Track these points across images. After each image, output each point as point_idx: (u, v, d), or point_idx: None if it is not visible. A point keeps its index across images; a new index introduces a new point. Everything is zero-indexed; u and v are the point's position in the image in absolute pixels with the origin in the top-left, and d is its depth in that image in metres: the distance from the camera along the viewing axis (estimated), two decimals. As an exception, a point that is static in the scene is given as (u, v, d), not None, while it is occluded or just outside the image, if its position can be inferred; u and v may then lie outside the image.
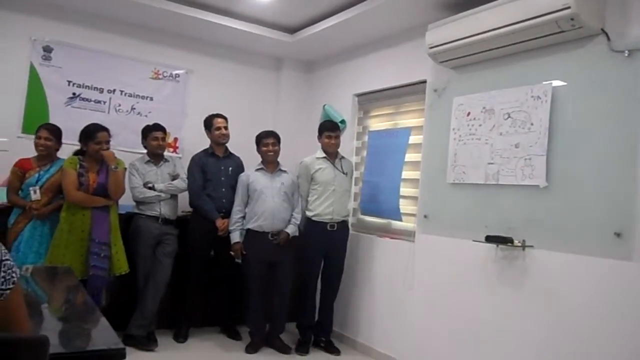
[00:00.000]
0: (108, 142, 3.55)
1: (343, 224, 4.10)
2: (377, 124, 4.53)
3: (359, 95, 4.67)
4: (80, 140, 3.55)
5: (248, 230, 4.01)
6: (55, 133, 3.62)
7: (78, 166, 3.47)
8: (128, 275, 3.82)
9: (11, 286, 1.15)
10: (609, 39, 2.72)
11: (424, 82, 3.87)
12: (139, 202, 3.94)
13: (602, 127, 2.72)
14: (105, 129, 3.58)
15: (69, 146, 3.70)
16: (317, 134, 4.20)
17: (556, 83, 2.95)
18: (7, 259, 1.17)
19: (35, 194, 3.46)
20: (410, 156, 3.99)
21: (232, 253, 4.03)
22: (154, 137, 4.00)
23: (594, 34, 2.77)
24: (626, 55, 2.63)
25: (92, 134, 3.51)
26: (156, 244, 3.92)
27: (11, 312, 1.17)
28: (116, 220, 3.57)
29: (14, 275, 1.17)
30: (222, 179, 4.19)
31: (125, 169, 3.69)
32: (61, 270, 2.86)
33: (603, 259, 2.63)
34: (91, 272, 3.31)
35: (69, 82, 4.32)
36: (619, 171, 2.62)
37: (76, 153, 3.57)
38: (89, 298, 2.06)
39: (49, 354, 1.09)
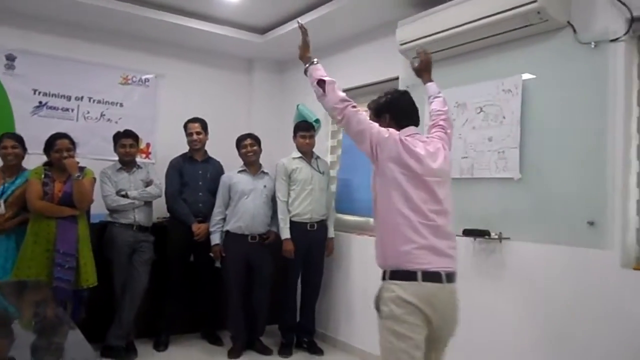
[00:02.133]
0: (70, 149, 3.40)
1: (322, 224, 4.09)
2: (351, 122, 4.51)
3: (332, 94, 4.64)
4: (44, 151, 3.44)
5: (227, 232, 3.97)
6: (21, 141, 3.51)
7: (43, 176, 3.36)
8: (105, 285, 3.75)
9: None
10: (575, 31, 2.76)
11: (397, 78, 3.88)
12: (112, 210, 3.86)
13: (572, 118, 2.76)
14: (66, 137, 3.45)
15: (38, 157, 3.57)
16: (292, 134, 4.17)
17: (526, 76, 2.98)
18: None
19: (0, 208, 3.34)
20: (385, 153, 3.99)
21: (211, 255, 3.98)
22: (121, 144, 3.92)
23: (561, 26, 2.81)
24: (592, 47, 2.68)
25: (52, 143, 3.39)
26: (131, 252, 3.84)
27: None
28: (85, 230, 3.44)
29: None
30: (200, 183, 4.13)
31: (94, 178, 3.57)
32: (31, 283, 2.77)
33: (577, 248, 2.67)
34: (54, 284, 3.14)
35: (35, 90, 4.20)
36: (590, 161, 2.66)
37: (46, 164, 3.46)
38: (61, 311, 1.99)
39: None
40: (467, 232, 3.14)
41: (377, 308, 2.15)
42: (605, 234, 2.57)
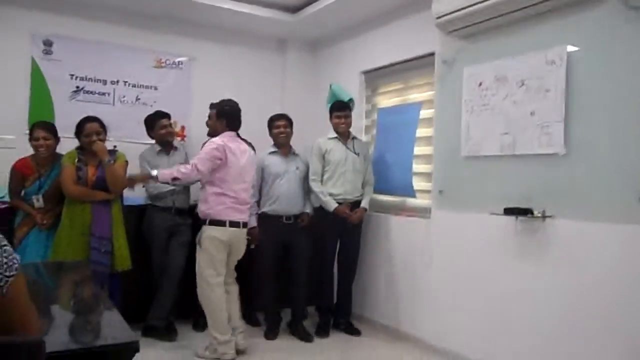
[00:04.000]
0: (99, 133, 3.38)
1: (356, 205, 4.02)
2: (386, 100, 4.43)
3: (365, 72, 4.57)
4: (75, 135, 3.43)
5: (262, 214, 3.96)
6: (52, 130, 3.50)
7: (76, 160, 3.37)
8: (144, 267, 3.81)
9: (14, 272, 1.07)
10: (625, -5, 2.59)
11: (433, 54, 3.76)
12: (153, 196, 3.89)
13: (621, 90, 2.61)
14: (95, 120, 3.42)
15: (76, 142, 3.58)
16: (325, 114, 4.12)
17: (571, 46, 2.82)
18: (6, 245, 1.09)
19: (38, 202, 3.38)
20: (421, 131, 3.90)
21: (248, 238, 3.98)
22: (161, 125, 3.90)
23: (610, -9, 2.64)
24: (645, 11, 2.51)
25: (81, 127, 3.38)
26: (170, 234, 3.87)
27: (14, 303, 1.07)
28: (119, 214, 3.46)
29: (15, 262, 1.08)
30: None
31: (127, 161, 3.55)
32: (69, 264, 2.82)
33: (627, 225, 2.53)
34: (91, 268, 3.12)
35: (72, 75, 4.26)
36: (639, 134, 2.51)
37: (79, 148, 3.46)
38: (99, 291, 2.01)
39: (61, 350, 1.03)
40: (508, 211, 3.04)
41: (199, 241, 3.38)
42: (659, 211, 2.42)
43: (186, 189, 3.96)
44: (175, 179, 3.28)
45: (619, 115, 2.61)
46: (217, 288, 3.39)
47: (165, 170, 3.33)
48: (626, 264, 2.55)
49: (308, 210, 4.06)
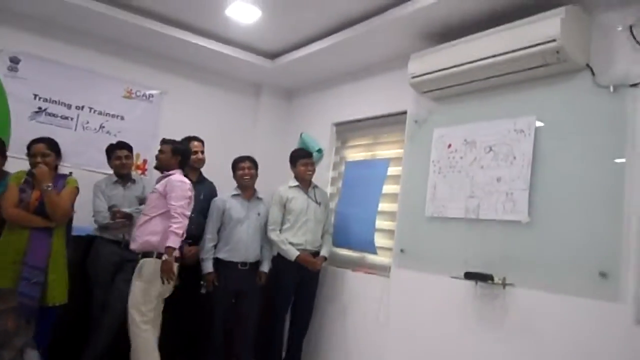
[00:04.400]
0: (46, 155, 3.19)
1: (315, 255, 3.91)
2: (355, 154, 4.42)
3: (337, 124, 4.58)
4: (27, 155, 3.27)
5: (217, 259, 3.79)
6: (1, 149, 3.34)
7: (23, 181, 3.18)
8: (84, 302, 3.57)
9: None
10: (593, 73, 2.68)
11: (405, 112, 3.79)
12: (102, 227, 3.70)
13: (586, 163, 2.64)
14: (43, 141, 3.24)
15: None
16: (290, 163, 4.05)
17: (540, 117, 2.88)
18: None
19: None
20: (387, 188, 3.87)
21: (202, 283, 3.79)
22: (117, 155, 3.80)
23: (579, 68, 2.73)
24: (611, 90, 2.59)
25: (29, 147, 3.22)
26: (116, 270, 3.66)
27: None
28: (60, 244, 3.22)
29: None
30: (193, 204, 3.97)
31: (76, 188, 3.33)
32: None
33: (587, 300, 2.50)
34: (18, 300, 2.90)
35: (35, 95, 4.10)
36: (604, 209, 2.53)
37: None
38: (22, 325, 1.81)
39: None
40: (469, 275, 2.98)
41: (140, 275, 3.29)
42: (619, 287, 2.40)
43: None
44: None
45: (583, 188, 2.63)
46: (146, 329, 3.23)
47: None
48: (585, 338, 2.50)
49: (266, 269, 3.91)
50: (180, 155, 3.56)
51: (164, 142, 3.62)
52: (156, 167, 3.65)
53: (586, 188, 2.62)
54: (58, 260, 3.18)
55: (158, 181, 3.52)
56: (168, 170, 3.50)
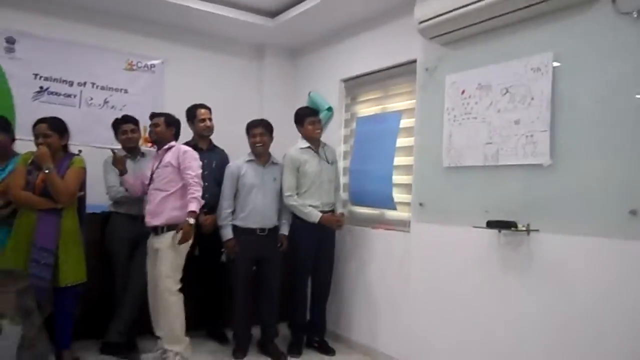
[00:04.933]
0: (48, 135, 3.11)
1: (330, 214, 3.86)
2: (366, 109, 4.29)
3: (345, 80, 4.43)
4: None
5: (234, 226, 3.74)
6: (4, 126, 3.29)
7: (30, 162, 3.14)
8: (106, 279, 3.58)
9: None
10: (614, 0, 2.49)
11: (414, 61, 3.63)
12: (115, 201, 3.68)
13: (611, 98, 2.49)
14: (45, 121, 3.17)
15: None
16: (296, 123, 3.93)
17: (557, 53, 2.71)
18: None
19: None
20: (402, 141, 3.76)
21: (223, 250, 3.76)
22: (122, 130, 3.74)
23: (598, -4, 2.54)
24: (635, 16, 2.40)
25: (33, 128, 3.17)
26: (134, 246, 3.65)
27: None
28: (71, 225, 3.17)
29: None
30: (206, 172, 3.87)
31: (83, 168, 3.26)
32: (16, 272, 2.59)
33: (618, 240, 2.40)
34: (30, 281, 2.87)
35: (36, 75, 4.03)
36: (630, 144, 2.39)
37: None
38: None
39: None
40: (492, 224, 2.89)
41: (172, 246, 3.33)
42: (650, 224, 2.30)
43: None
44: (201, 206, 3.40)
45: (607, 125, 2.49)
46: (179, 295, 3.34)
47: (194, 206, 3.29)
48: (616, 280, 2.41)
49: (285, 232, 3.86)
50: (175, 126, 3.58)
51: (154, 115, 3.57)
52: (154, 142, 3.59)
53: (610, 125, 2.48)
54: (70, 241, 3.15)
55: (160, 155, 3.50)
56: (165, 143, 3.51)
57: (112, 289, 3.63)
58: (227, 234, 3.72)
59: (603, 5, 2.53)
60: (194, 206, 3.28)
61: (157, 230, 3.39)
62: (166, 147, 3.49)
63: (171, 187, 3.39)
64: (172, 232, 3.34)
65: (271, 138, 3.83)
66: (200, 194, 3.34)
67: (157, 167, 3.47)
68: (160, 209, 3.37)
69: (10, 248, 3.03)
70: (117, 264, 3.63)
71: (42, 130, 3.14)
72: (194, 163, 3.42)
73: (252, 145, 3.80)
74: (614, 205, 2.42)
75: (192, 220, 3.26)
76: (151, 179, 3.47)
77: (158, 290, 3.36)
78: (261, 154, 3.80)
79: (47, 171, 3.03)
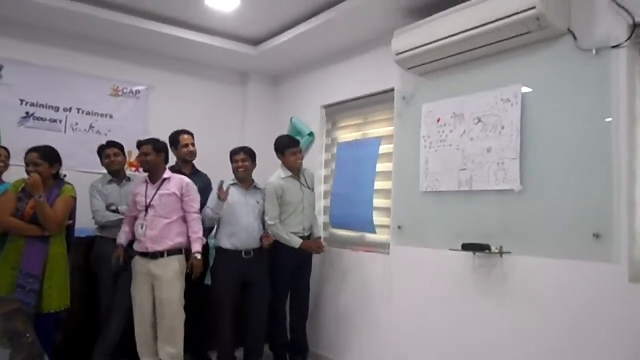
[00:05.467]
0: (38, 164, 3.16)
1: (310, 237, 3.98)
2: (346, 135, 4.43)
3: (326, 106, 4.58)
4: None
5: (219, 249, 3.81)
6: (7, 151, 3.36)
7: (20, 190, 3.19)
8: (91, 304, 3.61)
9: None
10: (575, 38, 2.69)
11: (392, 90, 3.80)
12: (101, 226, 3.73)
13: (573, 127, 2.67)
14: (37, 150, 3.23)
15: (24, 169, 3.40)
16: (277, 152, 3.99)
17: (526, 85, 2.90)
18: None
19: None
20: (381, 166, 3.89)
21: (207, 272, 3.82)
22: (106, 154, 3.82)
23: (561, 34, 2.73)
24: (594, 53, 2.60)
25: (25, 156, 3.23)
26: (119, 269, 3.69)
27: None
28: (59, 251, 3.22)
29: None
30: None
31: (73, 197, 3.32)
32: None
33: (583, 262, 2.55)
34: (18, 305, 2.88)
35: (22, 101, 4.09)
36: (594, 171, 2.57)
37: None
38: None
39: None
40: (467, 247, 3.03)
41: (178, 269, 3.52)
42: (612, 247, 2.45)
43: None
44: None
45: (573, 152, 2.66)
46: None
47: (200, 245, 3.53)
48: (582, 299, 2.55)
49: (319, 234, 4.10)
50: (164, 152, 3.67)
51: (142, 143, 3.62)
52: (145, 170, 3.65)
53: (575, 152, 2.65)
54: (56, 267, 3.19)
55: (156, 184, 3.57)
56: (158, 171, 3.60)
57: (96, 312, 3.66)
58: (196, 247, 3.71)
59: (566, 42, 2.73)
60: (199, 247, 3.51)
61: (156, 255, 3.46)
62: (166, 176, 3.60)
63: (174, 215, 3.53)
64: (175, 258, 3.49)
65: (254, 164, 3.92)
66: (202, 232, 3.58)
67: (158, 195, 3.54)
68: (164, 235, 3.48)
69: None
70: (102, 287, 3.66)
71: (33, 159, 3.19)
72: (197, 196, 3.63)
73: (235, 171, 3.89)
74: (580, 228, 2.58)
75: (199, 256, 3.48)
76: (150, 205, 3.53)
77: (171, 316, 3.48)
78: (243, 179, 3.88)
79: (39, 199, 3.08)
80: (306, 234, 3.93)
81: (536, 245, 2.78)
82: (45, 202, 3.12)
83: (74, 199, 3.35)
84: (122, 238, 3.58)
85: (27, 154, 3.25)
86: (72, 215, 3.37)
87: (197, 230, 3.55)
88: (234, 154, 3.91)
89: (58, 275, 3.20)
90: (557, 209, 2.70)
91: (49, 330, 3.19)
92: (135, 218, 3.58)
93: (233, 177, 3.91)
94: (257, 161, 3.98)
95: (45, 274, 3.12)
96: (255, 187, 3.94)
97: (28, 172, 3.19)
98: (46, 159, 3.24)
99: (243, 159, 3.85)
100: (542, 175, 2.79)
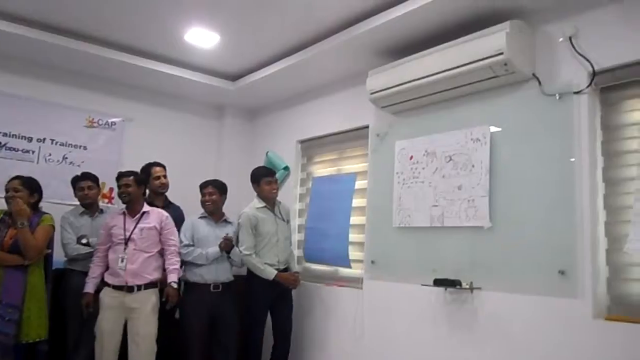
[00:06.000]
0: (18, 190, 3.24)
1: (286, 271, 3.93)
2: (321, 169, 4.50)
3: (302, 141, 4.65)
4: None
5: (187, 283, 3.77)
6: None
7: None
8: (57, 335, 3.52)
9: None
10: (540, 83, 2.83)
11: (367, 127, 3.90)
12: (71, 259, 3.67)
13: (539, 168, 2.79)
14: (18, 178, 3.31)
15: None
16: (252, 182, 4.01)
17: (494, 125, 3.02)
18: None
19: None
20: (355, 201, 3.96)
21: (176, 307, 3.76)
22: (79, 187, 3.81)
23: (526, 78, 2.88)
24: (557, 98, 2.75)
25: (5, 185, 3.29)
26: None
27: None
28: (37, 281, 3.22)
29: None
30: None
31: (52, 226, 3.36)
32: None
33: (549, 298, 2.63)
34: None
35: (-6, 131, 4.06)
36: (559, 208, 2.67)
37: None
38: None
39: None
40: (438, 282, 3.08)
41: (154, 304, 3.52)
42: (577, 283, 2.54)
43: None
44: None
45: (538, 191, 2.77)
46: None
47: (173, 276, 3.54)
48: (548, 334, 2.62)
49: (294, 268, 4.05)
50: (144, 184, 3.74)
51: (123, 175, 3.64)
52: (125, 202, 3.63)
53: (541, 190, 2.77)
54: (34, 297, 3.18)
55: (135, 217, 3.57)
56: (137, 202, 3.62)
57: (63, 345, 3.56)
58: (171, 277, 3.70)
59: (531, 87, 2.88)
60: (175, 277, 3.54)
61: (133, 288, 3.43)
62: (145, 210, 3.62)
63: (154, 248, 3.56)
64: (152, 292, 3.48)
65: (222, 197, 3.93)
66: (179, 264, 3.62)
67: (137, 229, 3.53)
68: (143, 269, 3.48)
69: None
70: (70, 320, 3.58)
71: (14, 186, 3.26)
72: (174, 230, 3.69)
73: (203, 204, 3.89)
74: (546, 264, 2.67)
75: (175, 284, 3.52)
76: (129, 239, 3.50)
77: (146, 351, 3.45)
78: (212, 212, 3.88)
79: (22, 226, 3.12)
80: (281, 267, 3.90)
81: (505, 281, 2.85)
82: (27, 229, 3.15)
83: (53, 227, 3.38)
84: (91, 286, 3.51)
85: (8, 181, 3.28)
86: (49, 244, 3.38)
87: (174, 262, 3.59)
88: (202, 187, 3.92)
89: (36, 304, 3.19)
90: (524, 246, 2.79)
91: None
92: (106, 254, 3.54)
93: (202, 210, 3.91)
94: (232, 194, 4.00)
95: (24, 304, 3.11)
96: (225, 221, 3.94)
97: (7, 199, 3.23)
98: (26, 186, 3.30)
99: (211, 192, 3.87)
100: (510, 212, 2.89)
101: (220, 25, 3.67)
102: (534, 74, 2.86)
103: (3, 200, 3.35)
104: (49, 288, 3.34)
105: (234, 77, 4.66)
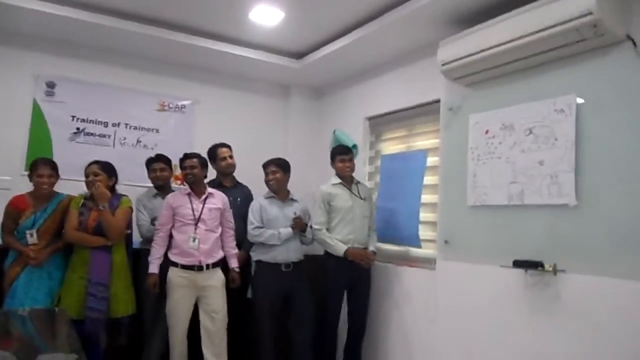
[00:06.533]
0: (97, 174, 3.40)
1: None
2: (391, 147, 4.36)
3: (370, 118, 4.52)
4: None
5: (259, 262, 3.78)
6: (55, 167, 3.46)
7: (80, 205, 3.40)
8: (134, 315, 3.66)
9: None
10: (635, 45, 2.54)
11: (438, 101, 3.71)
12: (146, 239, 3.78)
13: (633, 140, 2.52)
14: (96, 162, 3.48)
15: (74, 183, 3.60)
16: (329, 160, 4.00)
17: (581, 95, 2.76)
18: None
19: (32, 238, 3.28)
20: (426, 179, 3.80)
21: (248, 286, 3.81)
22: (152, 169, 3.91)
23: (619, 40, 2.59)
24: (656, 60, 2.45)
25: (85, 169, 3.45)
26: (163, 283, 3.72)
27: None
28: (121, 260, 3.43)
29: None
30: (231, 209, 4.01)
31: (130, 207, 3.54)
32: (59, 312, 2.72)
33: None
34: (87, 314, 3.19)
35: (73, 117, 4.24)
36: (657, 185, 2.41)
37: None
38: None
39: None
40: (518, 264, 2.90)
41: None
42: (678, 267, 2.29)
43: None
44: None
45: (631, 166, 2.51)
46: None
47: (234, 261, 3.74)
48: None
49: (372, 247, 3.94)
50: (206, 167, 3.82)
51: (188, 156, 3.72)
52: (190, 183, 3.70)
53: (633, 165, 2.50)
54: (120, 275, 3.40)
55: (200, 198, 3.65)
56: (201, 184, 3.71)
57: (140, 322, 3.69)
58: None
59: (624, 49, 2.59)
60: (236, 262, 3.75)
61: (206, 267, 3.56)
62: (210, 191, 3.74)
63: (219, 229, 3.70)
64: (218, 269, 3.64)
65: (286, 175, 3.89)
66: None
67: (206, 209, 3.63)
68: (214, 248, 3.63)
69: (67, 283, 3.30)
70: (147, 299, 3.70)
71: (93, 170, 3.42)
72: (230, 211, 3.81)
73: (267, 183, 3.89)
74: (637, 247, 2.42)
75: (237, 269, 3.72)
76: (199, 219, 3.58)
77: (220, 322, 3.59)
78: (276, 191, 3.87)
79: (102, 209, 3.30)
80: (357, 246, 3.79)
81: (593, 264, 2.62)
82: (108, 211, 3.34)
83: (131, 209, 3.58)
84: (156, 267, 3.56)
85: (87, 166, 3.46)
86: (129, 225, 3.58)
87: (233, 246, 3.77)
88: (265, 166, 3.91)
89: (122, 281, 3.42)
90: (615, 225, 2.55)
91: (117, 334, 3.40)
92: (169, 233, 3.60)
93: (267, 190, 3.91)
94: (300, 173, 3.97)
95: (111, 282, 3.32)
96: (292, 199, 3.92)
97: (87, 183, 3.40)
98: (105, 170, 3.47)
99: (274, 171, 3.84)
100: (598, 189, 2.64)
101: (285, 1, 3.59)
102: (628, 35, 2.56)
103: (83, 184, 3.48)
104: (131, 265, 3.56)
105: (299, 55, 4.59)
